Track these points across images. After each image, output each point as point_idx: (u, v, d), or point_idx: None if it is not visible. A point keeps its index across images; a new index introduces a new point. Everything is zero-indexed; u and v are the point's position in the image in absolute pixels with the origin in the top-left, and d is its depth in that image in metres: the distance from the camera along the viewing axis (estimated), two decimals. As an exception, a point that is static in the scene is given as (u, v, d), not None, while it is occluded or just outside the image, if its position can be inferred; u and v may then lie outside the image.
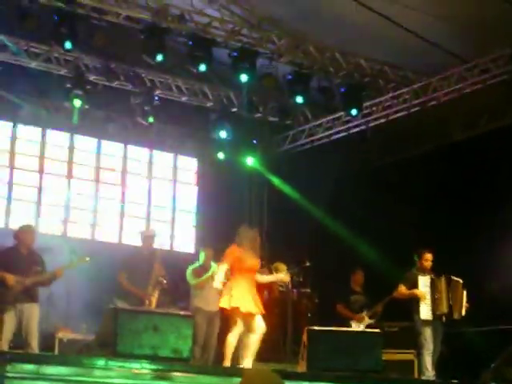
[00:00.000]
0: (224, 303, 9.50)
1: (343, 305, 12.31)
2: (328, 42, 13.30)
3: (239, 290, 9.45)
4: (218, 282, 9.59)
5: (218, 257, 11.96)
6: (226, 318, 10.03)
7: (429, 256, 10.86)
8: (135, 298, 10.85)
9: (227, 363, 9.30)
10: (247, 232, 9.84)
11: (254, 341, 9.41)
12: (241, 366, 9.17)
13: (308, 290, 13.64)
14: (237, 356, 9.57)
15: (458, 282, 10.66)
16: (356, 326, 11.82)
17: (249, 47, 12.69)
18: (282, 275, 10.74)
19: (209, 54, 12.33)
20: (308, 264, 13.33)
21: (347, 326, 11.61)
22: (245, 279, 9.56)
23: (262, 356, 12.09)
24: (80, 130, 15.53)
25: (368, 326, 11.78)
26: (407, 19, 12.52)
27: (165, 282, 11.36)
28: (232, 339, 9.41)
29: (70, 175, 15.55)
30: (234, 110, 15.11)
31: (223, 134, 14.98)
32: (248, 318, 9.42)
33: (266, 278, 10.29)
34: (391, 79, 13.96)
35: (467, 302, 10.72)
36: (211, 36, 12.42)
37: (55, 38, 11.77)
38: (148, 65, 12.91)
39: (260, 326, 9.45)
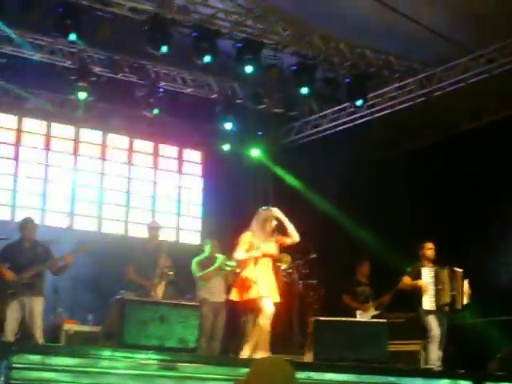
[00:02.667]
0: (253, 293, 9.14)
1: (349, 296, 12.32)
2: (333, 33, 13.25)
3: (263, 279, 9.18)
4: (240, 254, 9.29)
5: (223, 248, 11.98)
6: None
7: (429, 245, 10.87)
8: (142, 289, 10.86)
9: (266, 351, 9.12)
10: (259, 214, 9.50)
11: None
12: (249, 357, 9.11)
13: (314, 282, 13.63)
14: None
15: (459, 272, 10.65)
16: (362, 317, 11.81)
17: (253, 38, 12.65)
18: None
19: (213, 46, 12.29)
20: (314, 255, 13.35)
21: (353, 317, 11.60)
22: (263, 266, 9.25)
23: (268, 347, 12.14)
24: (85, 123, 15.54)
25: (374, 317, 11.78)
26: (412, 9, 12.46)
27: (171, 273, 11.38)
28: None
29: (75, 167, 15.57)
30: (239, 101, 15.06)
31: (228, 126, 14.95)
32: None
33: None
34: (396, 70, 13.93)
35: (469, 288, 10.68)
36: (216, 27, 12.38)
37: (59, 29, 11.72)
38: (152, 56, 12.88)
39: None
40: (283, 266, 12.59)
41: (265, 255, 9.27)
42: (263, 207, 9.68)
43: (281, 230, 9.55)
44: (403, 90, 14.06)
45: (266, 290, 9.03)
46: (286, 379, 3.19)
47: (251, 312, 11.86)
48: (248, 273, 9.16)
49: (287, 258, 12.70)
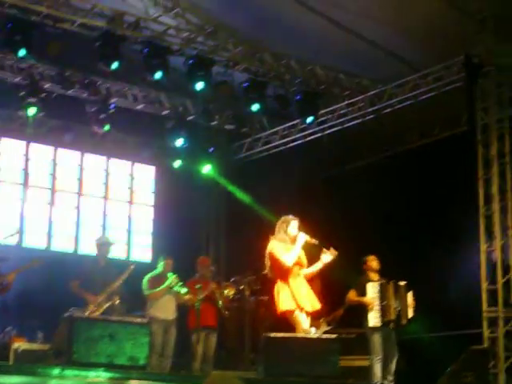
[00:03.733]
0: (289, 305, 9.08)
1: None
2: (284, 50, 13.36)
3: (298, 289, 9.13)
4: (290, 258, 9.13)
5: (177, 266, 11.96)
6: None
7: (372, 257, 10.91)
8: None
9: None
10: (284, 222, 9.35)
11: None
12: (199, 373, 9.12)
13: (266, 298, 13.62)
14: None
15: (402, 286, 10.69)
16: (314, 333, 11.82)
17: (204, 55, 12.71)
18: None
19: (164, 62, 12.32)
20: (266, 272, 13.31)
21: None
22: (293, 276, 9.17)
23: (220, 364, 12.13)
24: (36, 139, 15.42)
25: (326, 333, 11.79)
26: (363, 28, 12.64)
27: (121, 292, 11.29)
28: None
29: (26, 184, 15.42)
30: (191, 118, 15.10)
31: (179, 142, 14.96)
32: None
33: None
34: (346, 87, 14.07)
35: (414, 300, 10.75)
36: (167, 44, 12.42)
37: (9, 45, 11.65)
38: (103, 73, 12.86)
39: None
40: (225, 292, 12.53)
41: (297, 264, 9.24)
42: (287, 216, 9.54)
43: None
44: (353, 107, 14.19)
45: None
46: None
47: (202, 329, 11.88)
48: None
49: (231, 290, 12.66)
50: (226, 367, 12.15)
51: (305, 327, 9.10)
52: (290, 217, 9.41)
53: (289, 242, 9.25)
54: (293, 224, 9.34)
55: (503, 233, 11.65)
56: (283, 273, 9.16)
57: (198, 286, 11.70)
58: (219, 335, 12.40)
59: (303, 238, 9.24)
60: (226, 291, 12.29)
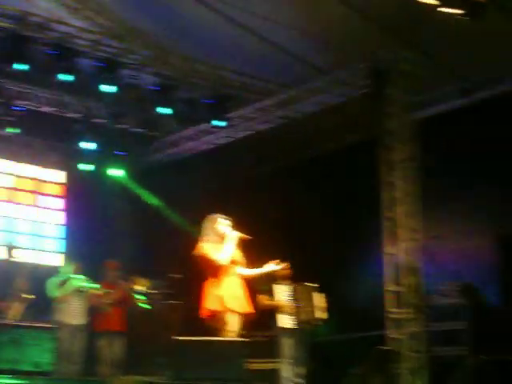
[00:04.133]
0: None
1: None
2: (193, 54, 13.36)
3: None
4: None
5: (86, 270, 11.85)
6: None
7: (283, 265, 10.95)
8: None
9: None
10: (211, 221, 9.23)
11: None
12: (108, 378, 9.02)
13: (176, 302, 13.61)
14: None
15: (312, 287, 10.81)
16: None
17: (113, 58, 12.62)
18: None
19: (72, 64, 12.20)
20: (177, 276, 13.31)
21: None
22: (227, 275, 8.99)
23: (130, 369, 12.05)
24: None
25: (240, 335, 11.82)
26: (271, 33, 12.74)
27: (31, 297, 11.14)
28: None
29: None
30: (100, 120, 14.97)
31: (88, 146, 14.83)
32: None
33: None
34: (255, 91, 14.14)
35: (326, 302, 10.88)
36: (75, 46, 12.28)
37: None
38: (8, 74, 12.64)
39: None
40: (140, 289, 12.49)
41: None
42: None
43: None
44: (262, 112, 14.28)
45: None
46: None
47: (109, 334, 11.78)
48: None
49: (142, 282, 12.61)
50: (136, 372, 12.08)
51: (231, 329, 8.95)
52: (217, 215, 9.26)
53: (219, 242, 9.06)
54: (220, 221, 9.17)
55: (407, 235, 11.86)
56: (217, 272, 8.96)
57: (104, 290, 11.62)
58: (130, 340, 12.33)
59: (235, 234, 9.07)
60: (139, 286, 12.23)
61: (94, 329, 11.80)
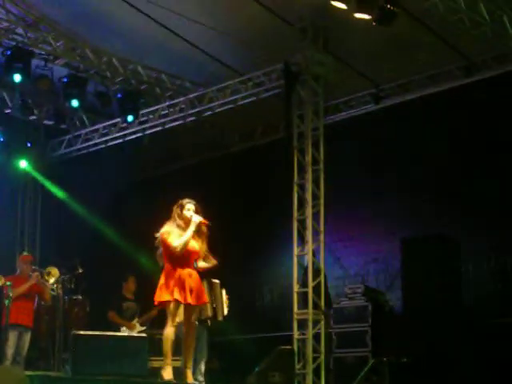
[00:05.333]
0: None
1: (115, 312, 12.22)
2: (106, 48, 13.22)
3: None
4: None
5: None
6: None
7: None
8: None
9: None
10: (179, 206, 8.65)
11: None
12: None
13: (80, 297, 13.43)
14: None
15: (216, 283, 10.78)
16: (127, 334, 11.74)
17: (24, 47, 12.38)
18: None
19: (-20, 52, 11.95)
20: (81, 271, 13.13)
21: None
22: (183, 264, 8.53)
23: (31, 364, 11.84)
24: None
25: (140, 333, 11.74)
26: (187, 31, 12.70)
27: None
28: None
29: None
30: (8, 111, 14.68)
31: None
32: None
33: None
34: (168, 88, 14.08)
35: (227, 298, 10.87)
36: (-17, 33, 12.03)
37: None
38: None
39: None
40: (51, 280, 12.28)
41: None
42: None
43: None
44: (174, 109, 14.23)
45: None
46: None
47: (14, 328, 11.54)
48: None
49: (55, 270, 12.41)
50: (37, 367, 11.90)
51: (178, 320, 8.48)
52: (186, 200, 8.74)
53: (184, 228, 8.53)
54: (188, 207, 8.66)
55: (315, 237, 11.97)
56: (172, 259, 8.50)
57: (8, 283, 11.37)
58: (35, 334, 12.14)
59: (196, 219, 8.54)
60: (50, 278, 12.04)
61: (0, 322, 11.55)
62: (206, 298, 9.10)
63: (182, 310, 8.57)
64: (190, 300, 8.48)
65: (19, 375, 3.20)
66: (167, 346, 8.53)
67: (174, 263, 8.50)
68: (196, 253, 8.66)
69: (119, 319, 12.19)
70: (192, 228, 8.46)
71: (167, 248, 8.50)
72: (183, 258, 8.52)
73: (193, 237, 8.57)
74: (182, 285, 8.45)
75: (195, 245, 8.62)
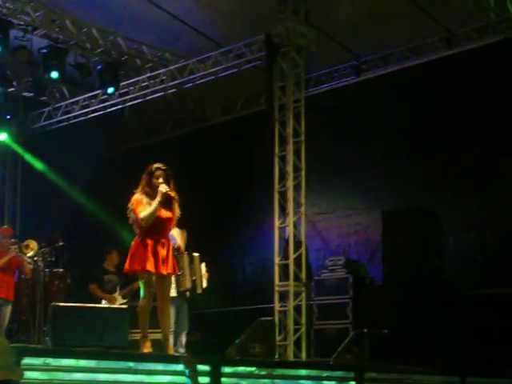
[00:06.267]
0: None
1: (96, 285, 12.19)
2: (86, 19, 13.09)
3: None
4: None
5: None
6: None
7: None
8: None
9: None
10: (147, 173, 8.26)
11: None
12: None
13: (61, 270, 13.41)
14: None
15: (196, 256, 10.78)
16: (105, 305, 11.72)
17: (2, 17, 12.23)
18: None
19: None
20: (61, 243, 13.08)
21: (99, 305, 11.49)
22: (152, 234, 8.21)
23: (11, 337, 11.83)
24: None
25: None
26: (168, 2, 12.63)
27: None
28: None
29: None
30: (-15, 83, 14.55)
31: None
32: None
33: None
34: (149, 59, 13.99)
35: (207, 271, 10.87)
36: (-39, 2, 11.89)
37: None
38: None
39: None
40: (29, 253, 12.25)
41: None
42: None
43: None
44: (155, 80, 14.14)
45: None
46: None
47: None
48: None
49: (34, 243, 12.37)
50: (18, 340, 11.87)
51: (151, 290, 8.29)
52: (155, 165, 8.29)
53: (152, 196, 8.16)
54: (157, 174, 8.22)
55: (295, 209, 11.97)
56: (143, 229, 8.17)
57: None
58: (15, 307, 12.12)
59: (162, 189, 8.13)
60: (28, 251, 12.02)
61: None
62: (178, 268, 8.95)
63: (154, 280, 8.32)
64: (162, 270, 8.25)
65: (3, 343, 3.18)
66: (142, 318, 8.47)
67: (145, 232, 8.22)
68: (169, 221, 8.34)
69: (100, 292, 12.16)
70: (158, 198, 8.11)
71: (135, 217, 8.24)
72: (154, 227, 8.22)
73: (163, 206, 8.25)
74: (154, 254, 8.22)
75: (166, 213, 8.29)
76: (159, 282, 8.38)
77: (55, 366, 7.44)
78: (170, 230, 8.64)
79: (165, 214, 8.29)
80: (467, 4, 11.27)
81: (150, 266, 8.20)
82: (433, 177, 12.73)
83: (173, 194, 8.26)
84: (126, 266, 8.39)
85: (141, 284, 8.43)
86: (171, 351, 8.70)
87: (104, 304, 11.91)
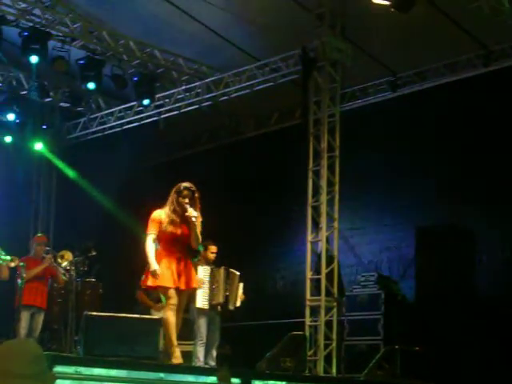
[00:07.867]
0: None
1: (143, 292, 12.19)
2: (123, 31, 13.19)
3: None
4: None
5: (4, 244, 11.59)
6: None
7: (213, 248, 10.90)
8: None
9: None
10: (176, 191, 8.54)
11: None
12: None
13: (93, 280, 13.45)
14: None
15: (235, 274, 10.77)
16: (156, 316, 11.69)
17: (41, 28, 12.36)
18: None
19: (-2, 32, 11.92)
20: (94, 253, 13.15)
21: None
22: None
23: (43, 345, 11.85)
24: None
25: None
26: (205, 15, 12.67)
27: None
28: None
29: None
30: (24, 92, 14.68)
31: (11, 117, 14.54)
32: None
33: None
34: (185, 72, 14.05)
35: (244, 293, 10.87)
36: (1, 13, 11.98)
37: None
38: None
39: None
40: (64, 263, 12.31)
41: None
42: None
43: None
44: (191, 93, 14.19)
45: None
46: (27, 358, 3.12)
47: (27, 309, 11.56)
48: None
49: (69, 254, 12.43)
50: (49, 349, 11.92)
51: (172, 302, 8.48)
52: (183, 185, 8.57)
53: (178, 213, 8.47)
54: (185, 194, 8.50)
55: (328, 224, 11.94)
56: (162, 243, 8.55)
57: (21, 264, 11.38)
58: (47, 316, 12.18)
59: (189, 214, 8.42)
60: (63, 261, 12.08)
61: (14, 303, 11.58)
62: (196, 283, 9.09)
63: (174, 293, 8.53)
64: (178, 285, 8.50)
65: (36, 350, 3.16)
66: (168, 330, 8.59)
67: (163, 247, 8.59)
68: (185, 238, 8.57)
69: (147, 300, 12.13)
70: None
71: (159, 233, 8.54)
72: (171, 243, 8.54)
73: (181, 223, 8.52)
74: (170, 269, 8.47)
75: (183, 231, 8.54)
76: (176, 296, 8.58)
77: (86, 374, 7.50)
78: (187, 246, 8.72)
79: (181, 231, 8.54)
80: (505, 21, 11.19)
81: (168, 282, 8.44)
82: (467, 193, 12.63)
83: (193, 218, 8.45)
84: (146, 282, 8.61)
85: (162, 298, 8.62)
86: (179, 359, 8.70)
87: (154, 313, 11.87)
